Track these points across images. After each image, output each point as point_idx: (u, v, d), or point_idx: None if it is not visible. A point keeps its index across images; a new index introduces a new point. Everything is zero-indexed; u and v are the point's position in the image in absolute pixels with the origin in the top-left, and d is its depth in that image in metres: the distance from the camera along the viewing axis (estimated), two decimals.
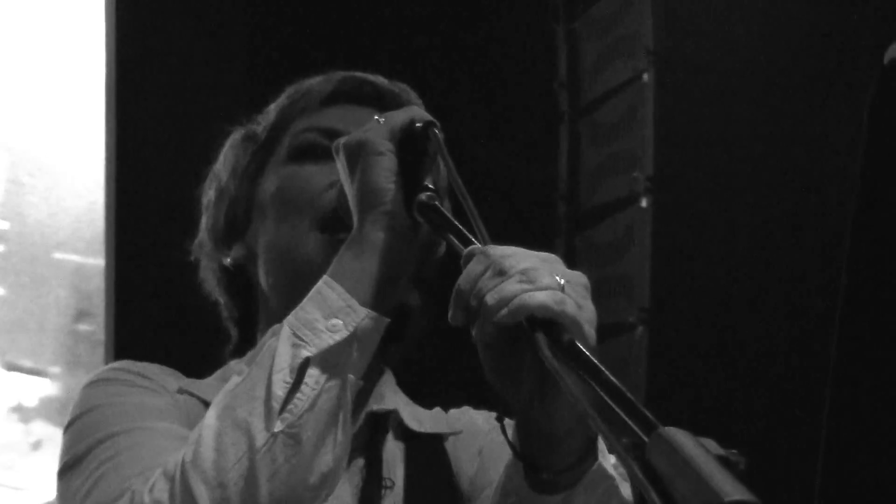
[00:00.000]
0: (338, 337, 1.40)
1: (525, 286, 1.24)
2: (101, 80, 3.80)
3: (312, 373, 1.38)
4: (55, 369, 3.86)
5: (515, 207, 3.67)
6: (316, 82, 1.79)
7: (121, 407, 1.55)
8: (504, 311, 1.24)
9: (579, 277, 1.30)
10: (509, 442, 1.39)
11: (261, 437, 1.36)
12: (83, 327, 3.87)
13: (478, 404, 1.76)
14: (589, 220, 3.77)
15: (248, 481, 1.35)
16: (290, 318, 1.43)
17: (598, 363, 1.17)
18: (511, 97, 3.86)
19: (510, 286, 1.25)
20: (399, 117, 1.47)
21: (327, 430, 1.39)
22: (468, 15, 3.87)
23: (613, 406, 1.10)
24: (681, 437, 1.00)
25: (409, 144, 1.46)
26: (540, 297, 1.23)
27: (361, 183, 1.46)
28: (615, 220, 3.62)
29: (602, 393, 1.12)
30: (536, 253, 1.30)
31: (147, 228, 3.70)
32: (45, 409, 3.84)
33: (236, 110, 1.93)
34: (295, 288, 1.52)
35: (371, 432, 1.67)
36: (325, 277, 1.45)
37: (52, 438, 3.80)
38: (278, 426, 1.36)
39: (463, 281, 1.29)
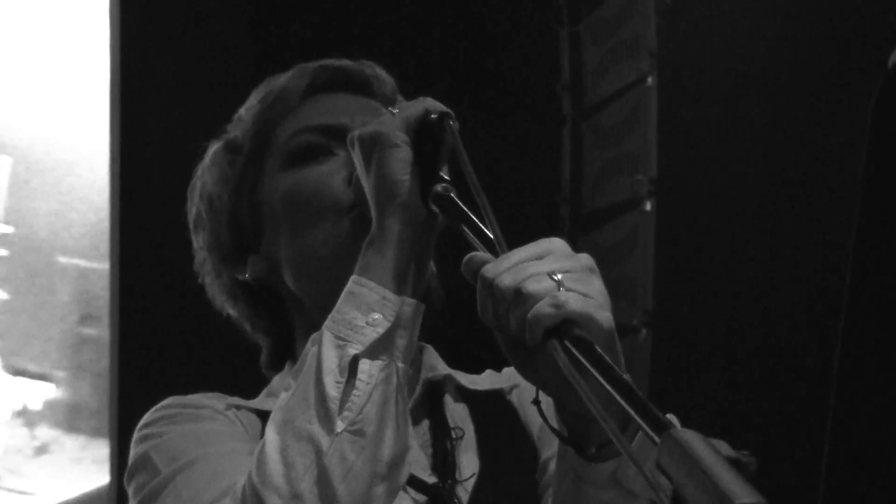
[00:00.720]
0: (380, 330, 1.42)
1: (522, 309, 1.25)
2: (106, 84, 3.80)
3: (363, 367, 1.40)
4: (60, 373, 3.86)
5: (519, 210, 3.67)
6: (287, 80, 1.80)
7: (179, 442, 1.56)
8: (525, 336, 1.25)
9: (580, 262, 1.30)
10: (549, 425, 1.40)
11: (325, 441, 1.37)
12: (88, 331, 3.87)
13: None
14: (592, 223, 3.77)
15: (323, 486, 1.36)
16: (327, 322, 1.44)
17: (609, 361, 1.17)
18: (514, 100, 3.86)
19: (513, 317, 1.26)
20: (414, 108, 1.48)
21: (388, 420, 1.40)
22: (471, 17, 3.87)
23: (625, 406, 1.10)
24: (691, 438, 1.00)
25: (425, 135, 1.47)
26: (539, 310, 1.24)
27: (377, 175, 1.47)
28: (618, 223, 3.62)
29: (614, 392, 1.12)
30: (532, 249, 1.30)
31: (151, 232, 3.70)
32: (50, 414, 3.84)
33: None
34: (333, 283, 1.53)
35: (431, 398, 1.70)
36: (353, 277, 1.46)
37: (57, 442, 3.80)
38: (340, 426, 1.37)
39: (480, 315, 1.31)
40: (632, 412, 1.08)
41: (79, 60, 3.89)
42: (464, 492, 1.61)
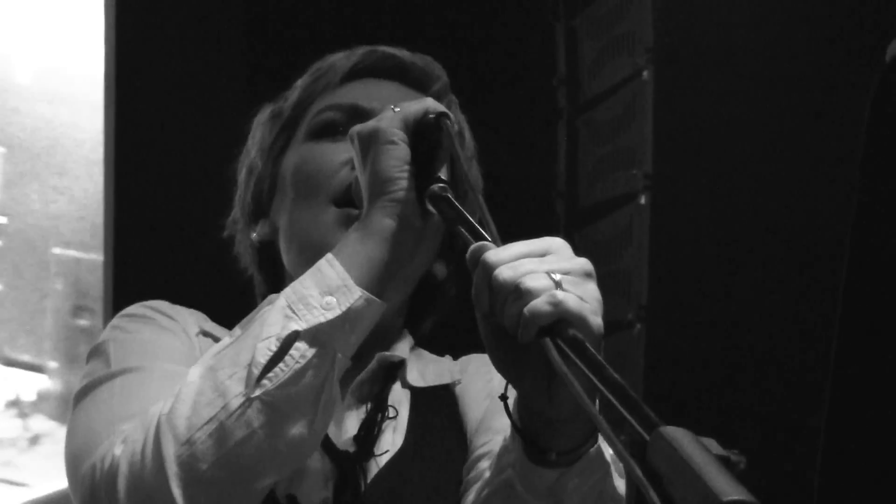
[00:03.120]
0: (330, 315, 1.42)
1: (519, 304, 1.25)
2: (101, 75, 3.79)
3: (299, 346, 1.40)
4: (53, 364, 3.86)
5: (514, 205, 3.67)
6: (339, 58, 1.82)
7: (137, 345, 1.61)
8: (518, 331, 1.25)
9: (579, 265, 1.30)
10: (512, 420, 1.41)
11: (235, 401, 1.38)
12: (81, 322, 3.86)
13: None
14: (587, 218, 3.77)
15: (218, 442, 1.37)
16: (287, 289, 1.45)
17: (601, 360, 1.17)
18: (510, 94, 3.86)
19: (509, 310, 1.26)
20: (413, 108, 1.49)
21: (307, 405, 1.41)
22: (467, 12, 3.87)
23: (615, 404, 1.10)
24: (681, 437, 1.00)
25: (424, 135, 1.47)
26: (537, 307, 1.24)
27: (372, 171, 1.48)
28: (614, 218, 3.62)
29: (605, 390, 1.12)
30: (534, 246, 1.30)
31: (145, 224, 3.70)
32: (44, 405, 3.83)
33: (236, 109, 1.95)
34: (312, 263, 1.55)
35: (382, 380, 1.71)
36: (327, 255, 1.47)
37: (51, 434, 3.80)
38: (255, 392, 1.38)
39: (474, 302, 1.32)
40: (623, 411, 1.08)
41: (74, 52, 3.89)
42: (375, 466, 1.62)
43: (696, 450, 0.98)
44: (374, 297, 1.45)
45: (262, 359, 1.39)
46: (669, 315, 3.46)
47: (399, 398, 1.71)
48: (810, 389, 2.96)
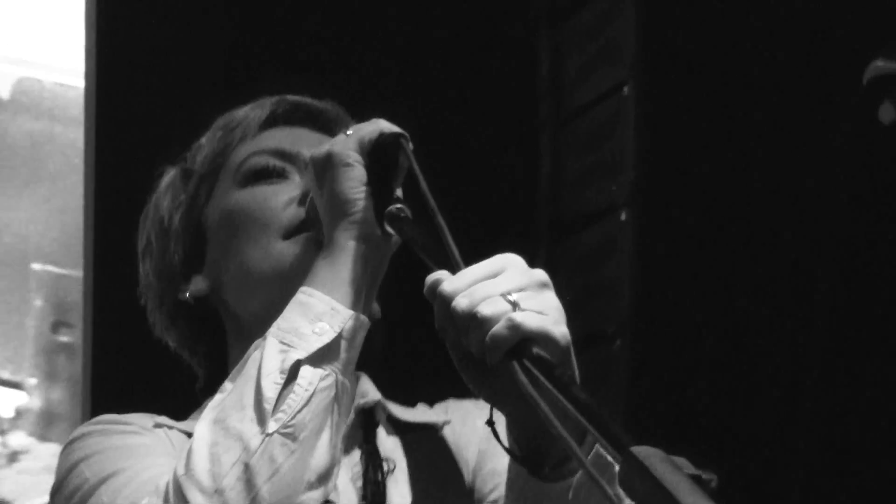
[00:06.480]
0: (326, 339, 1.43)
1: (480, 333, 1.25)
2: (82, 87, 3.77)
3: (304, 374, 1.41)
4: (33, 381, 3.85)
5: (496, 216, 3.66)
6: (247, 110, 1.85)
7: (107, 454, 1.56)
8: (485, 358, 1.25)
9: (533, 278, 1.30)
10: (503, 446, 1.41)
11: (255, 440, 1.37)
12: (62, 338, 3.85)
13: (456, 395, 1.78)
14: (570, 230, 3.76)
15: (247, 485, 1.36)
16: (272, 329, 1.45)
17: (568, 379, 1.16)
18: (492, 106, 3.84)
19: (472, 339, 1.26)
20: (367, 129, 1.51)
21: (323, 429, 1.40)
22: (450, 22, 3.86)
23: (587, 425, 1.09)
24: (652, 457, 0.99)
25: (379, 156, 1.48)
26: (496, 333, 1.24)
27: (331, 194, 1.49)
28: (596, 231, 3.61)
29: (575, 411, 1.11)
30: (487, 268, 1.31)
31: (126, 239, 3.67)
32: (23, 421, 3.82)
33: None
34: (274, 301, 1.56)
35: (363, 428, 1.69)
36: (301, 288, 1.48)
37: (30, 450, 3.79)
38: (272, 427, 1.37)
39: (439, 334, 1.33)
40: (592, 430, 1.07)
41: (54, 65, 3.88)
42: None
43: (668, 470, 0.97)
44: (361, 315, 1.46)
45: (272, 394, 1.39)
46: (651, 330, 3.45)
47: (390, 446, 1.69)
48: (797, 407, 2.95)
